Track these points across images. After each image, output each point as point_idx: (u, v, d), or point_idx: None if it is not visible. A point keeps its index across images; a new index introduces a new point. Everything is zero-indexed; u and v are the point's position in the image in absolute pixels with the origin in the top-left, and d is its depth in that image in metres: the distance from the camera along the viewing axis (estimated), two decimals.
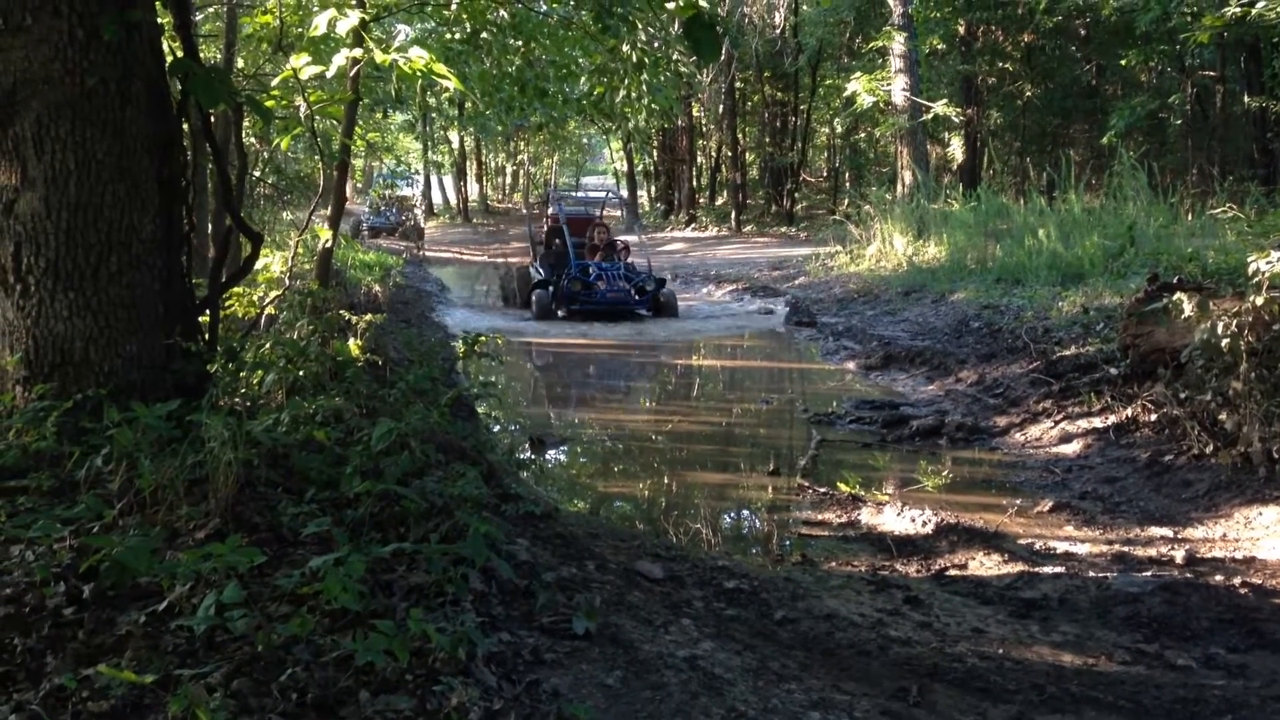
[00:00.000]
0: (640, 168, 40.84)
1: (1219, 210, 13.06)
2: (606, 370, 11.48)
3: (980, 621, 4.26)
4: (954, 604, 4.48)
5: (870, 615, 4.23)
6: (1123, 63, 24.84)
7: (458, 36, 8.72)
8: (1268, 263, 6.27)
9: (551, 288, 15.48)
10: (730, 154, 33.59)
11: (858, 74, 23.69)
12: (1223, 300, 6.71)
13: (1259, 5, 12.59)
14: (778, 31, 30.55)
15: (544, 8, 8.48)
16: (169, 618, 2.72)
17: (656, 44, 11.06)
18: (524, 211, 44.59)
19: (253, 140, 11.57)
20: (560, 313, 15.04)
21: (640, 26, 8.68)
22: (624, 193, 34.89)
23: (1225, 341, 6.19)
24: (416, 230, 30.93)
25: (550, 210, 18.79)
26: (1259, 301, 6.07)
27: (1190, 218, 14.16)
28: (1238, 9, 13.17)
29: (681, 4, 5.61)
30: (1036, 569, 4.96)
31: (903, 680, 3.51)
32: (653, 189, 41.74)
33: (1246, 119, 21.98)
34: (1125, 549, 5.28)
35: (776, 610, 4.13)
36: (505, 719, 2.47)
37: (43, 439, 3.63)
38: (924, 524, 5.65)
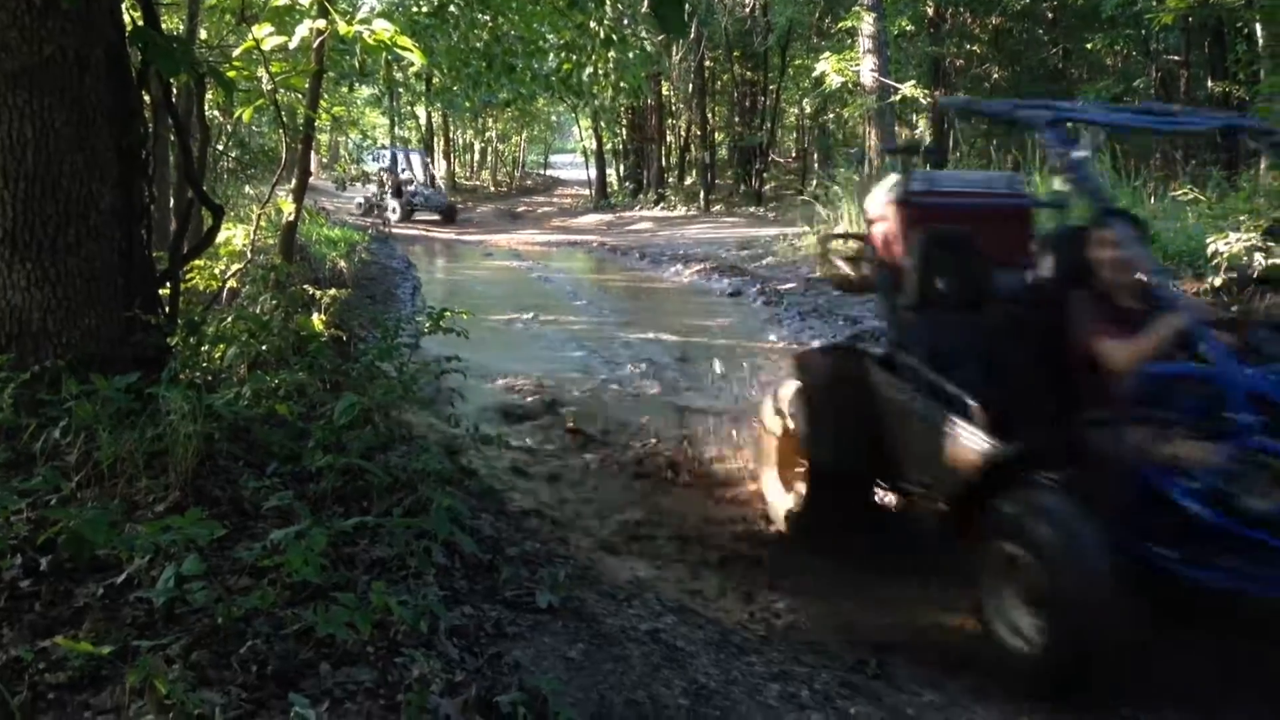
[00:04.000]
0: (609, 147, 40.69)
1: (1181, 193, 13.18)
2: (575, 345, 11.44)
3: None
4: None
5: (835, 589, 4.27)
6: (1089, 46, 24.97)
7: (424, 9, 8.65)
8: (1226, 244, 6.36)
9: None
10: (699, 133, 33.53)
11: (827, 54, 23.67)
12: (1183, 281, 6.80)
13: None
14: (747, 10, 30.49)
15: None
16: (127, 590, 2.70)
17: (625, 20, 11.02)
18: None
19: (215, 112, 11.43)
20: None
21: (608, 2, 8.65)
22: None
23: None
24: (450, 209, 30.41)
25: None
26: (1217, 283, 6.16)
27: (1153, 201, 14.27)
28: None
29: None
30: None
31: (862, 653, 3.55)
32: (621, 168, 41.63)
33: (1210, 103, 22.17)
34: None
35: None
36: (467, 691, 2.48)
37: None
38: (888, 500, 5.69)
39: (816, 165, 33.03)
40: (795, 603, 4.23)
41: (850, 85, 22.86)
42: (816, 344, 8.52)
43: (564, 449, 6.66)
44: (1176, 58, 22.63)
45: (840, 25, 24.51)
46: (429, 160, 36.61)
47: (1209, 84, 21.58)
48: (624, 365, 9.63)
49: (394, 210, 29.03)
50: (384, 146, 35.15)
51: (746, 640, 3.47)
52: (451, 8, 8.38)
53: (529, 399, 7.90)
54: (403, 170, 32.24)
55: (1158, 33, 19.14)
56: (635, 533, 5.01)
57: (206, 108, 6.86)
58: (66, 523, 2.81)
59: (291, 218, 7.71)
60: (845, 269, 5.70)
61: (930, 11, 26.40)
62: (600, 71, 9.16)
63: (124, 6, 4.47)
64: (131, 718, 2.19)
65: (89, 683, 2.32)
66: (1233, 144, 20.66)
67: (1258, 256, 6.23)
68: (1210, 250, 6.45)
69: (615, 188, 40.10)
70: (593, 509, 5.40)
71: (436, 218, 29.42)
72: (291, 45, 5.75)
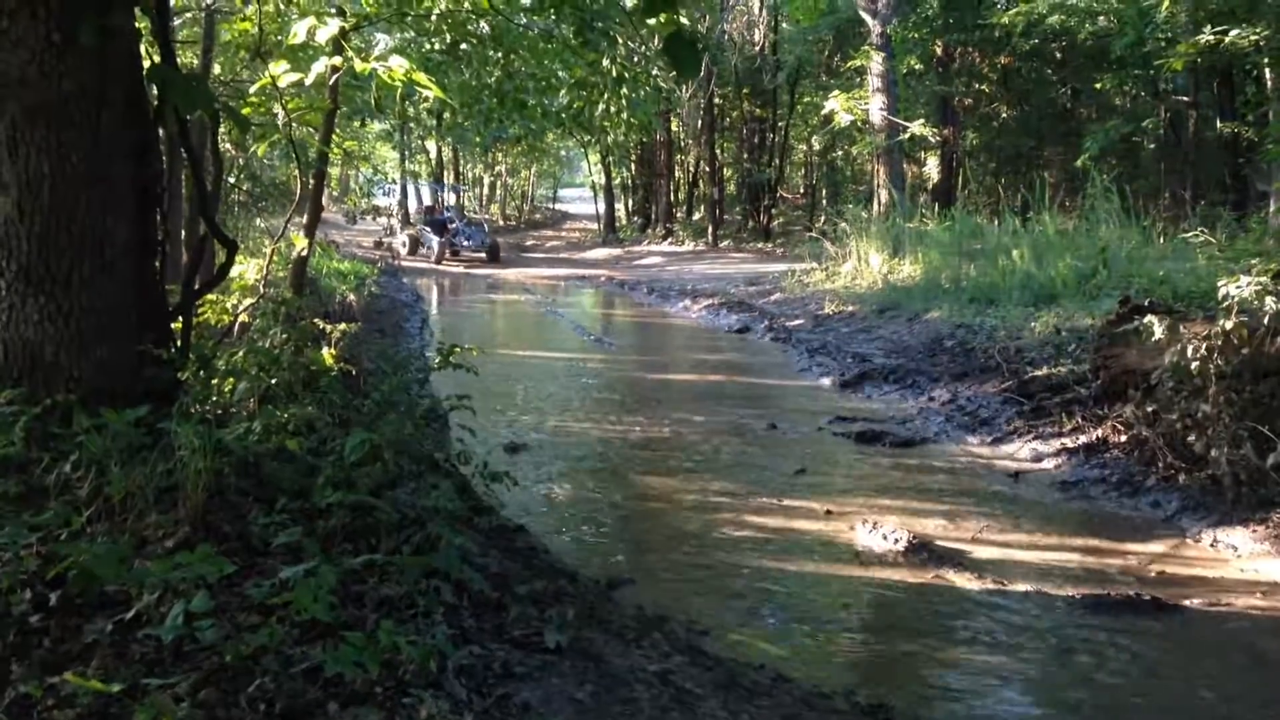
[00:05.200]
0: (618, 181, 40.92)
1: (1191, 234, 13.19)
2: (583, 381, 11.46)
3: None
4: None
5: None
6: (1097, 86, 25.11)
7: (437, 47, 8.73)
8: (1237, 287, 6.36)
9: None
10: (708, 169, 33.69)
11: (836, 92, 23.85)
12: (1193, 324, 6.79)
13: (1232, 34, 12.77)
14: (757, 49, 30.78)
15: (524, 20, 8.48)
16: (136, 626, 2.70)
17: (636, 59, 11.10)
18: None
19: (229, 147, 11.52)
20: None
21: (620, 41, 8.72)
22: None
23: (1195, 364, 6.27)
24: (495, 248, 29.28)
25: None
26: (1228, 325, 6.15)
27: (1162, 241, 14.30)
28: (1211, 36, 13.34)
29: (662, 20, 5.64)
30: (1004, 586, 4.99)
31: (872, 698, 3.52)
32: (630, 203, 41.90)
33: (1219, 144, 22.25)
34: (1094, 567, 5.32)
35: None
36: None
37: (11, 444, 3.59)
38: (895, 541, 5.67)
39: (825, 202, 33.15)
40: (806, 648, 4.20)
41: (859, 123, 23.02)
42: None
43: None
44: (1185, 98, 22.72)
45: (849, 64, 24.73)
46: (464, 195, 35.85)
47: (1218, 124, 21.65)
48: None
49: (431, 249, 28.81)
50: (435, 182, 33.83)
51: (757, 683, 3.44)
52: (464, 46, 8.45)
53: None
54: (447, 212, 31.89)
55: (1166, 73, 19.22)
56: None
57: (220, 142, 6.92)
58: (76, 558, 2.80)
59: (303, 252, 7.75)
60: None
61: (939, 51, 26.61)
62: (612, 109, 9.22)
63: (141, 43, 4.52)
64: None
65: None
66: (1242, 185, 20.74)
67: (1269, 300, 6.22)
68: (1221, 294, 6.44)
69: (624, 222, 40.32)
70: None
71: (482, 256, 28.87)
72: (308, 82, 5.81)
